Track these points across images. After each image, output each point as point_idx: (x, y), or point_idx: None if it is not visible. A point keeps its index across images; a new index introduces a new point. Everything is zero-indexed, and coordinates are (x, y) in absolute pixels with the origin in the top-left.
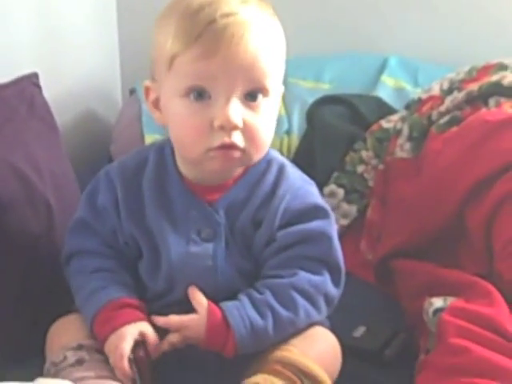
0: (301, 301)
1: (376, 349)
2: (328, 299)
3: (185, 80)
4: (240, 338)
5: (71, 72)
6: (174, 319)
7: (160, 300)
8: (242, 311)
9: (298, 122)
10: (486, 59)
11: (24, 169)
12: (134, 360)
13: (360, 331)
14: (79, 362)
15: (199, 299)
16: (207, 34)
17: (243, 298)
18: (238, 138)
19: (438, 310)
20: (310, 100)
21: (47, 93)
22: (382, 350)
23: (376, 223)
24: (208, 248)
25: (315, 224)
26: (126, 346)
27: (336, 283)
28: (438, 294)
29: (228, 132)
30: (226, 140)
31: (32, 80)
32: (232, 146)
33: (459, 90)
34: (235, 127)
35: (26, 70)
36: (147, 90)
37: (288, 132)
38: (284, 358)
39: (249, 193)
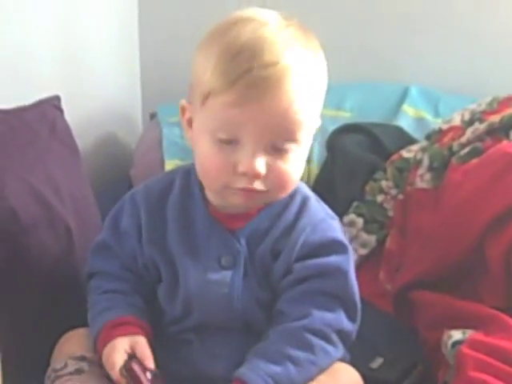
0: (315, 341)
1: (393, 380)
2: (343, 335)
3: (215, 122)
4: None
5: (92, 95)
6: None
7: (177, 325)
8: (258, 371)
9: (318, 150)
10: (508, 91)
11: (45, 192)
12: (126, 370)
13: (377, 362)
14: (78, 372)
15: None
16: (243, 82)
17: (253, 359)
18: (260, 184)
19: (456, 343)
20: (331, 128)
21: (68, 116)
22: (399, 381)
23: (395, 253)
24: (226, 276)
25: (332, 259)
26: (117, 356)
27: (352, 319)
28: (456, 327)
29: (251, 179)
30: (248, 186)
31: (54, 103)
32: (253, 190)
33: (480, 121)
34: (258, 176)
35: (48, 93)
36: (183, 109)
37: (308, 160)
38: None
39: (271, 223)
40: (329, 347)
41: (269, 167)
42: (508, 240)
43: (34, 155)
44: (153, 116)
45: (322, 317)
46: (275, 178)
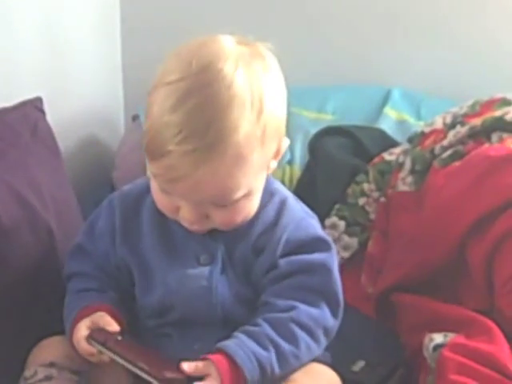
0: (301, 334)
1: (375, 383)
2: (327, 332)
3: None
4: (250, 375)
5: (74, 97)
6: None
7: (156, 320)
8: (244, 347)
9: (300, 153)
10: (490, 94)
11: (26, 194)
12: (91, 337)
13: (359, 365)
14: (47, 378)
15: (198, 364)
16: (162, 163)
17: (239, 334)
18: (203, 226)
19: (438, 346)
20: (313, 130)
21: (50, 118)
22: None
23: (377, 256)
24: (204, 270)
25: (317, 256)
26: (80, 334)
27: (334, 315)
28: (438, 330)
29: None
30: (191, 228)
31: (36, 105)
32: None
33: (462, 124)
34: (194, 226)
35: (29, 95)
36: None
37: (290, 162)
38: None
39: (249, 223)
40: (312, 343)
41: (212, 215)
42: (489, 243)
43: (16, 157)
44: (135, 118)
45: (307, 311)
46: (219, 223)
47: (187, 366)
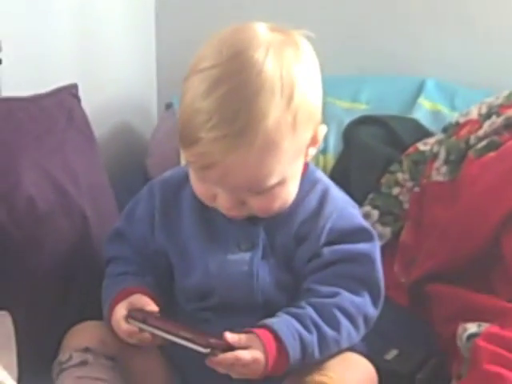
0: (343, 320)
1: (408, 372)
2: (367, 320)
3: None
4: (293, 353)
5: (109, 85)
6: (228, 357)
7: (197, 303)
8: (289, 325)
9: (333, 142)
10: None
11: (62, 180)
12: (131, 317)
13: (392, 354)
14: (83, 363)
15: (242, 337)
16: (195, 150)
17: (283, 314)
18: (238, 213)
19: (471, 336)
20: (347, 120)
21: (85, 105)
22: (413, 373)
23: (410, 246)
24: (245, 256)
25: (361, 246)
26: (120, 314)
27: (375, 304)
28: (472, 320)
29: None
30: (226, 213)
31: (71, 91)
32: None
33: (497, 114)
34: (231, 214)
35: (65, 82)
36: None
37: (324, 151)
38: (322, 383)
39: (291, 210)
40: (353, 330)
41: (249, 201)
42: None
43: (52, 143)
44: (168, 106)
45: (350, 298)
46: (256, 210)
47: (230, 336)
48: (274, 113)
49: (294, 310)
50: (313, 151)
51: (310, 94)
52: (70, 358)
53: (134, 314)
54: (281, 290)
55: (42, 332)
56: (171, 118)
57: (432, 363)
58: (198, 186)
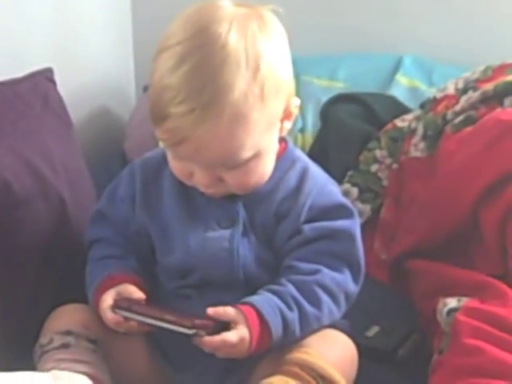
0: (324, 297)
1: (389, 349)
2: (348, 297)
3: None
4: (275, 330)
5: (85, 68)
6: (216, 340)
7: (178, 281)
8: (271, 303)
9: (311, 120)
10: (502, 59)
11: (38, 164)
12: (117, 306)
13: (373, 331)
14: (65, 346)
15: (227, 309)
16: (165, 127)
17: (265, 292)
18: (218, 190)
19: (452, 310)
20: (324, 98)
21: (61, 88)
22: (395, 350)
23: (390, 223)
24: (225, 233)
25: (341, 223)
26: (107, 303)
27: (355, 281)
28: (452, 295)
29: (204, 187)
30: (206, 191)
31: (46, 75)
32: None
33: (474, 89)
34: (208, 189)
35: (40, 66)
36: None
37: (302, 130)
38: (302, 360)
39: (271, 187)
40: (334, 307)
41: (225, 177)
42: (502, 208)
43: (27, 127)
44: (146, 89)
45: (331, 275)
46: (233, 185)
47: (213, 311)
48: (240, 85)
49: (275, 287)
50: (288, 125)
51: (276, 65)
52: (51, 340)
53: (120, 304)
54: (262, 267)
55: (21, 316)
56: (149, 100)
57: (413, 339)
58: (174, 164)
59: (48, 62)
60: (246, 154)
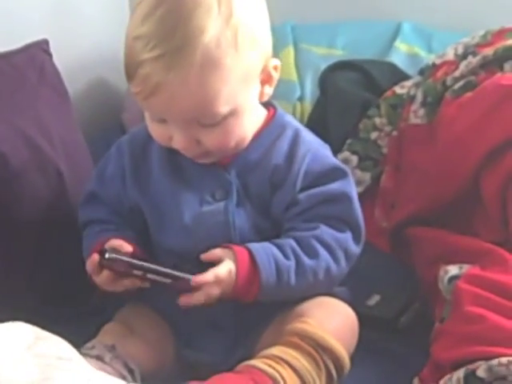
0: (322, 251)
1: (390, 317)
2: (348, 255)
3: (141, 107)
4: (266, 276)
5: (82, 40)
6: (209, 275)
7: (174, 258)
8: (266, 250)
9: (310, 89)
10: (501, 24)
11: (35, 136)
12: (104, 259)
13: (374, 300)
14: (98, 358)
15: (216, 250)
16: (139, 76)
17: (263, 242)
18: (197, 151)
19: (453, 278)
20: (323, 66)
21: (58, 60)
22: (396, 318)
23: (390, 190)
24: (220, 206)
25: (336, 185)
26: (91, 257)
27: (356, 241)
28: (453, 262)
29: (184, 150)
30: (184, 153)
31: (42, 47)
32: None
33: (474, 54)
34: (184, 150)
35: (36, 37)
36: None
37: (300, 99)
38: (302, 330)
39: (263, 154)
40: (332, 263)
41: (203, 138)
42: (503, 174)
43: (23, 99)
44: None
45: (330, 232)
46: (212, 146)
47: (204, 255)
48: (212, 29)
49: (275, 240)
50: (269, 90)
51: (251, 16)
52: (93, 347)
53: (108, 250)
54: (259, 236)
55: (20, 289)
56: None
57: (414, 307)
58: (153, 128)
59: (43, 33)
60: (222, 108)
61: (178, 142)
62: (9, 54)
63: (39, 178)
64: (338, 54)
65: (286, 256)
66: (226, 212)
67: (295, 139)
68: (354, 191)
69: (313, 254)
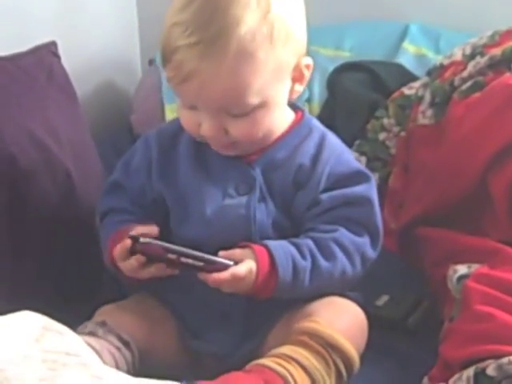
0: (340, 255)
1: (399, 317)
2: (364, 259)
3: (174, 92)
4: (283, 274)
5: (90, 42)
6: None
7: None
8: (285, 248)
9: (318, 90)
10: (509, 24)
11: (43, 137)
12: (137, 244)
13: (383, 300)
14: (91, 334)
15: (236, 251)
16: (174, 61)
17: (281, 241)
18: (224, 142)
19: (462, 277)
20: (331, 68)
21: (66, 62)
22: (405, 318)
23: (399, 191)
24: (242, 200)
25: (359, 188)
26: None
27: (374, 246)
28: (462, 262)
29: (211, 139)
30: (213, 144)
31: (51, 49)
32: (221, 145)
33: (482, 54)
34: (212, 138)
35: (44, 40)
36: None
37: (309, 100)
38: (311, 329)
39: (289, 153)
40: (348, 266)
41: (231, 128)
42: (511, 174)
43: (32, 101)
44: (151, 62)
45: (349, 235)
46: (239, 136)
47: (224, 253)
48: (249, 21)
49: (293, 239)
50: (299, 88)
51: (288, 12)
52: (85, 326)
53: (137, 241)
54: (279, 233)
55: (28, 289)
56: (154, 73)
57: (423, 307)
58: (183, 114)
59: (52, 36)
60: (251, 99)
61: (207, 130)
62: (17, 56)
63: (48, 178)
64: (346, 55)
65: (303, 256)
66: (248, 206)
67: (321, 142)
68: (375, 196)
69: (330, 257)
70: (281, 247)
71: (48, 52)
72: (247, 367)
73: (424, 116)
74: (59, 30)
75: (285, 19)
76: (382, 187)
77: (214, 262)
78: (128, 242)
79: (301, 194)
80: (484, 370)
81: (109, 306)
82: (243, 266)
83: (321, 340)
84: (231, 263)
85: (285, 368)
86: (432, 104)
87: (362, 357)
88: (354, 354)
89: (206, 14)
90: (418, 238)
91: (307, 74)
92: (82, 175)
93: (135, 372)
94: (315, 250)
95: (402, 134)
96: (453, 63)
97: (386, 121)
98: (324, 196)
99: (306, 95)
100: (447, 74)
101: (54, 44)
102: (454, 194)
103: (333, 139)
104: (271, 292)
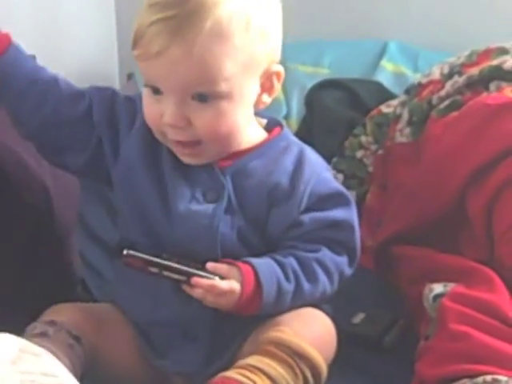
0: (322, 276)
1: (375, 335)
2: (342, 277)
3: (142, 73)
4: (266, 296)
5: (69, 57)
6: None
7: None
8: (271, 270)
9: (296, 107)
10: (487, 44)
11: (21, 153)
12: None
13: (359, 318)
14: (42, 335)
15: (224, 266)
16: (146, 37)
17: (268, 259)
18: (187, 135)
19: (438, 296)
20: (309, 85)
21: None
22: (381, 336)
23: (376, 209)
24: (208, 208)
25: (341, 213)
26: None
27: (351, 265)
28: (438, 280)
29: (175, 130)
30: (175, 137)
31: None
32: (183, 142)
33: (460, 74)
34: (175, 127)
35: None
36: None
37: (287, 117)
38: (277, 338)
39: (264, 164)
40: (328, 286)
41: (194, 117)
42: (488, 192)
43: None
44: (130, 76)
45: (331, 255)
46: (202, 129)
47: (211, 265)
48: (229, 5)
49: (278, 257)
50: (267, 99)
51: (267, 14)
52: (34, 328)
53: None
54: (247, 249)
55: (5, 305)
56: (133, 88)
57: (399, 325)
58: (147, 103)
59: (30, 50)
60: (220, 83)
61: (169, 118)
62: None
63: (25, 194)
64: (324, 72)
65: (287, 278)
66: (213, 216)
67: (300, 159)
68: (356, 219)
69: (313, 279)
70: (267, 269)
71: None
72: (212, 380)
73: (402, 134)
74: (38, 44)
75: (262, 18)
76: (359, 205)
77: (195, 276)
78: None
79: (278, 213)
80: None
81: (56, 305)
82: (226, 283)
83: (287, 349)
84: (215, 278)
85: (249, 379)
86: (410, 122)
87: (337, 374)
88: (322, 362)
89: None
90: (394, 255)
91: (277, 85)
92: (60, 191)
93: (88, 368)
94: (299, 272)
95: (380, 151)
96: (431, 82)
97: (363, 138)
98: (306, 218)
99: (284, 111)
100: (425, 93)
101: (33, 58)
102: (431, 213)
103: (312, 155)
104: (253, 311)
